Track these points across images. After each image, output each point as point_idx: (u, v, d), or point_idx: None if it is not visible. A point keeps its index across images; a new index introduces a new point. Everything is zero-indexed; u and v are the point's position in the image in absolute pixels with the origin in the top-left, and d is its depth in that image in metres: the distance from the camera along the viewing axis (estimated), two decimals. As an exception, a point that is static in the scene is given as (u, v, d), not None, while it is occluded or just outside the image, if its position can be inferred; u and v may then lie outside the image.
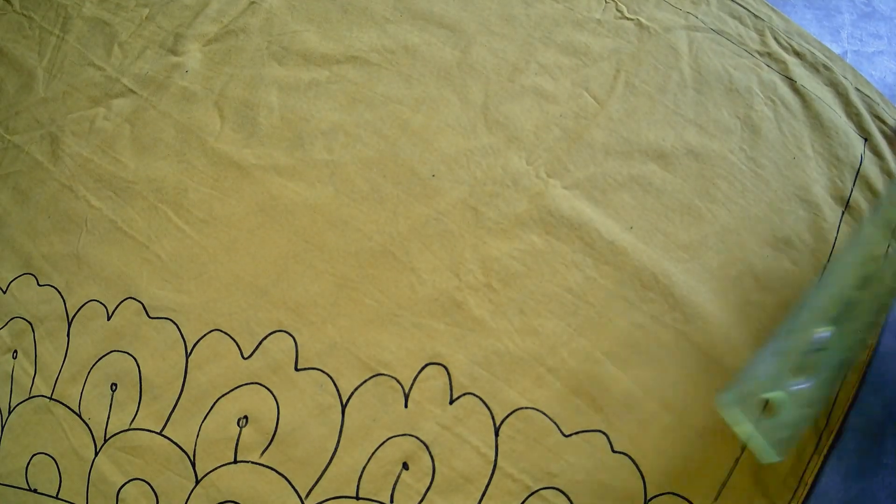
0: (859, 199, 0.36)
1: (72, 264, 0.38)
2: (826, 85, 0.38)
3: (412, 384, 0.33)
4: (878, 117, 0.37)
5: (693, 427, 0.31)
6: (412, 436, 0.32)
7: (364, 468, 0.32)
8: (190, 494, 0.32)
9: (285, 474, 0.32)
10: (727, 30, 0.39)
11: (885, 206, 0.31)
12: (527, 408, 0.32)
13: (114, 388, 0.35)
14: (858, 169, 0.36)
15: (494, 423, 0.32)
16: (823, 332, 0.28)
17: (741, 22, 0.40)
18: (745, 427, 0.28)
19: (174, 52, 0.42)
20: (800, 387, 0.28)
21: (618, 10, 0.40)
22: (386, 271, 0.35)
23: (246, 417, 0.33)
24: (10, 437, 0.35)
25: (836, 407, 0.31)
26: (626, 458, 0.31)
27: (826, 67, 0.38)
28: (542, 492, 0.31)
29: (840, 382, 0.30)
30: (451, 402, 0.32)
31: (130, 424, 0.34)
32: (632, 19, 0.40)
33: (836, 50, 0.40)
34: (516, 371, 0.33)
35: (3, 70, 0.44)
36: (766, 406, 0.28)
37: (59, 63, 0.43)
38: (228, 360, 0.34)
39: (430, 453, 0.32)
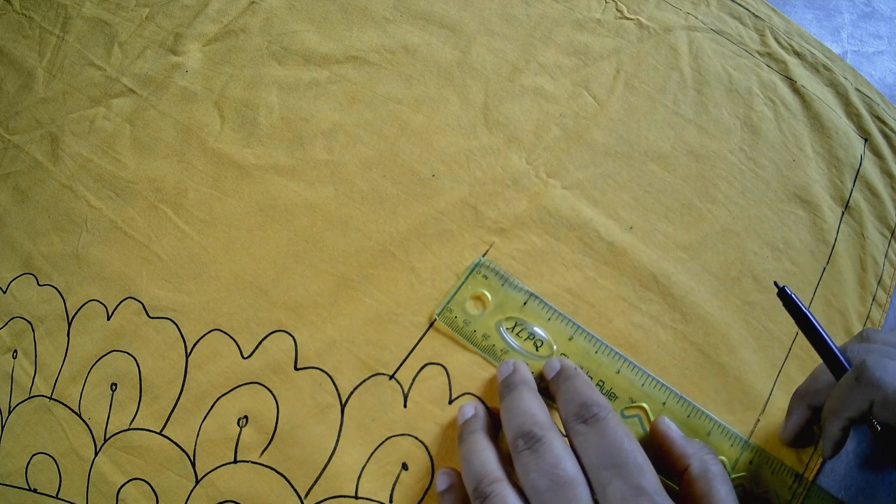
0: (859, 199, 0.36)
1: (72, 264, 0.38)
2: (826, 85, 0.38)
3: (411, 384, 0.33)
4: (878, 117, 0.37)
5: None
6: (411, 436, 0.32)
7: (363, 468, 0.32)
8: (190, 494, 0.32)
9: (285, 474, 0.32)
10: (727, 30, 0.39)
11: None
12: (526, 408, 0.32)
13: (114, 387, 0.35)
14: (858, 169, 0.36)
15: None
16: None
17: (741, 22, 0.40)
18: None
19: (174, 52, 0.42)
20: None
21: (618, 9, 0.40)
22: (386, 271, 0.35)
23: (246, 417, 0.33)
24: (10, 436, 0.35)
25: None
26: (626, 458, 0.31)
27: (826, 67, 0.38)
28: (541, 492, 0.31)
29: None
30: (451, 401, 0.32)
31: (130, 424, 0.34)
32: (632, 19, 0.40)
33: (836, 50, 0.40)
34: (516, 371, 0.33)
35: (3, 70, 0.44)
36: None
37: (59, 63, 0.43)
38: (228, 360, 0.34)
39: (429, 453, 0.32)
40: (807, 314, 0.29)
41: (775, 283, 0.30)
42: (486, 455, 0.27)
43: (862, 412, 0.26)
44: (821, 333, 0.29)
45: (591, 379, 0.31)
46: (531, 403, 0.28)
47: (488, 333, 0.32)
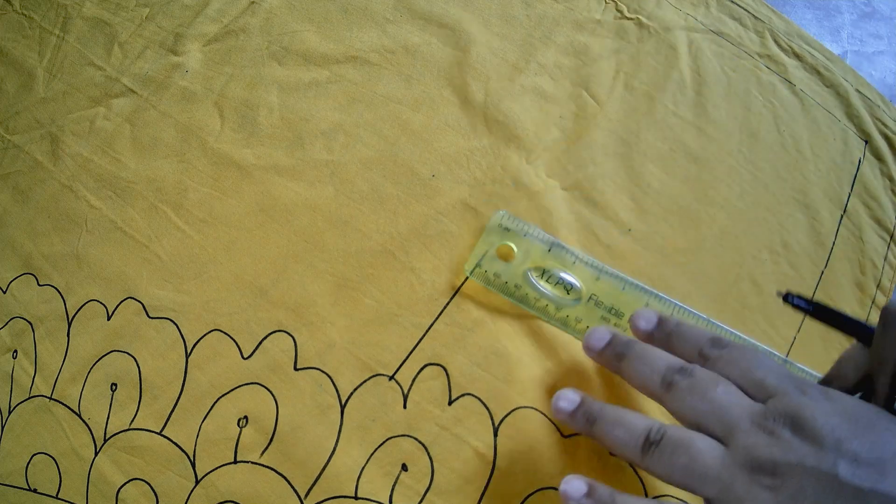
0: (857, 202, 0.36)
1: (72, 264, 0.38)
2: (826, 87, 0.38)
3: (411, 384, 0.33)
4: (878, 119, 0.37)
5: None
6: (411, 436, 0.32)
7: (363, 468, 0.32)
8: (190, 494, 0.32)
9: (285, 474, 0.32)
10: (727, 31, 0.39)
11: None
12: (526, 407, 0.32)
13: (114, 387, 0.35)
14: (856, 173, 0.36)
15: (493, 424, 0.32)
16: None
17: (741, 23, 0.40)
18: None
19: (174, 52, 0.42)
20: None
21: (618, 10, 0.40)
22: (386, 271, 0.35)
23: (246, 417, 0.33)
24: (11, 436, 0.35)
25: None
26: (625, 459, 0.31)
27: (826, 69, 0.38)
28: (541, 492, 0.31)
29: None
30: (450, 402, 0.33)
31: (130, 424, 0.34)
32: (632, 19, 0.40)
33: (836, 50, 0.40)
34: (515, 371, 0.33)
35: (3, 70, 0.44)
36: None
37: (59, 63, 0.43)
38: (228, 360, 0.34)
39: (429, 454, 0.32)
40: (813, 306, 0.28)
41: (778, 293, 0.29)
42: (660, 352, 0.27)
43: None
44: (837, 312, 0.28)
45: (623, 315, 0.32)
46: (659, 351, 0.27)
47: (519, 283, 0.33)
